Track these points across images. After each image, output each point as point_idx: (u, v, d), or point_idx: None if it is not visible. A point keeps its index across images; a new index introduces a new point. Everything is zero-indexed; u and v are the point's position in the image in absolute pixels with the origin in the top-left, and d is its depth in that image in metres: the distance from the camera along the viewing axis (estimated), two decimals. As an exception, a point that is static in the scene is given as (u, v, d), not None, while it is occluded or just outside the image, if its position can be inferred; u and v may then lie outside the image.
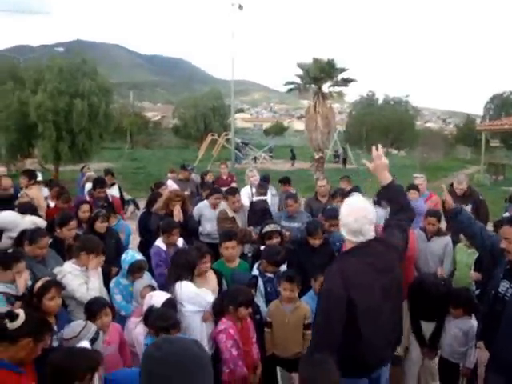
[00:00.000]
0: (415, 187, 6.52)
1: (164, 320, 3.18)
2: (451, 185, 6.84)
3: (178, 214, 5.51)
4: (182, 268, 3.81)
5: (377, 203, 4.99)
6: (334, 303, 2.57)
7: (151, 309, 3.34)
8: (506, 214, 6.16)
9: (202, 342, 3.38)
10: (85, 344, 2.72)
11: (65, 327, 3.02)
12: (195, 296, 3.69)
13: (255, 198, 6.64)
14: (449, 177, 19.86)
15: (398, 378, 4.38)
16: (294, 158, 30.65)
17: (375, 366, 2.83)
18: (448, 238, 5.11)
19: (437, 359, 4.34)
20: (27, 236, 4.08)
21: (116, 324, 3.59)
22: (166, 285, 3.95)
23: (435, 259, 5.05)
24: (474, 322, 3.95)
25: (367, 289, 2.62)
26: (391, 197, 3.08)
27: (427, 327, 4.25)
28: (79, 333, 2.88)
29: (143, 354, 1.49)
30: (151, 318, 3.24)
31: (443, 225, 5.24)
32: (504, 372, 3.07)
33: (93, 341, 2.84)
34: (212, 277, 4.20)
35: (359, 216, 2.68)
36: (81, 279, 3.89)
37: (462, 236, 5.03)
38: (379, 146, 3.06)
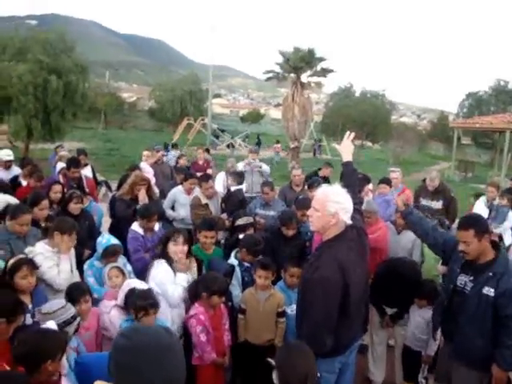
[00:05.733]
0: (387, 181, 6.57)
1: (143, 299, 3.19)
2: (424, 180, 7.00)
3: (143, 199, 5.38)
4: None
5: None
6: (333, 290, 2.68)
7: (132, 290, 3.33)
8: (475, 210, 6.33)
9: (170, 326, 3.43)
10: (51, 325, 2.67)
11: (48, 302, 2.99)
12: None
13: (233, 188, 6.59)
14: (421, 172, 20.23)
15: (364, 365, 4.56)
16: (259, 144, 29.43)
17: (350, 345, 3.00)
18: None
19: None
20: (10, 211, 4.07)
21: (95, 308, 3.56)
22: (144, 271, 3.91)
23: (404, 252, 5.15)
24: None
25: (354, 272, 2.78)
26: (346, 173, 3.45)
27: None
28: (55, 311, 2.83)
29: (112, 343, 1.49)
30: (131, 298, 3.25)
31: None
32: (464, 360, 3.26)
33: (67, 323, 2.81)
34: (193, 263, 4.13)
35: (349, 198, 2.85)
36: (52, 261, 3.82)
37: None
38: (352, 133, 3.50)
